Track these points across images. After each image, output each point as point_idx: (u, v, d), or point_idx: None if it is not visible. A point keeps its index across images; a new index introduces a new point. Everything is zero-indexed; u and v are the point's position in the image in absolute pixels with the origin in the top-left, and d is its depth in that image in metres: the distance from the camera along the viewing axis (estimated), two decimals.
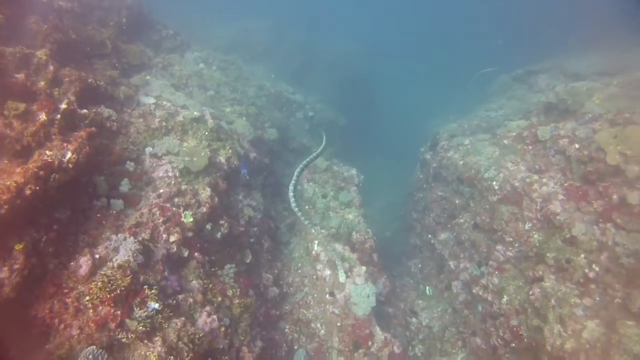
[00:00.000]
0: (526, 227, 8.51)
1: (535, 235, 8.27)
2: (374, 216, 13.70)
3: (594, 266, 7.24)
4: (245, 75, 14.45)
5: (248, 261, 8.80)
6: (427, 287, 11.03)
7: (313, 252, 9.88)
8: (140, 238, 6.56)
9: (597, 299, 7.06)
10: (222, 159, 8.96)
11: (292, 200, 7.67)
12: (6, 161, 5.64)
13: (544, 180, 8.69)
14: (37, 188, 5.46)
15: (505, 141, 10.38)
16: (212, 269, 7.65)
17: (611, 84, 9.99)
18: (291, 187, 7.74)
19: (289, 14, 25.90)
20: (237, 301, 7.51)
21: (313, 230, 9.57)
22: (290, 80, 17.35)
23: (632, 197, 7.16)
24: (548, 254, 7.83)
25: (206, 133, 9.06)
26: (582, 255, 7.41)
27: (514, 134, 10.41)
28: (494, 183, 9.55)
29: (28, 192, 5.35)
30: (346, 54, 23.19)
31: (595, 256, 7.28)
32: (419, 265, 11.95)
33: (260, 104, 13.41)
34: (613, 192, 7.47)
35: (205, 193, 7.91)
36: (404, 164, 17.37)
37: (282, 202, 11.58)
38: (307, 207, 11.33)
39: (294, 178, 7.78)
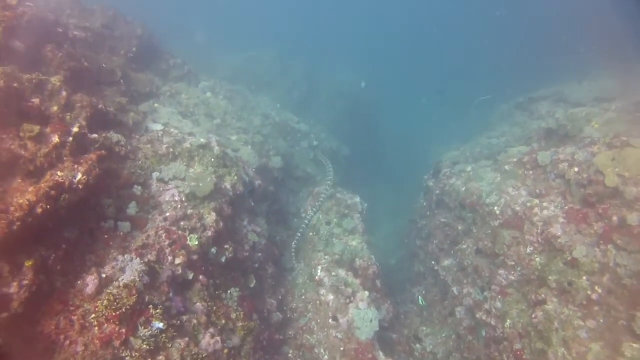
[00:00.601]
0: (528, 250, 8.55)
1: (537, 259, 8.31)
2: (378, 244, 13.77)
3: (596, 288, 7.27)
4: (251, 104, 14.80)
5: (252, 286, 8.86)
6: (420, 297, 10.99)
7: (316, 276, 9.93)
8: (146, 259, 6.66)
9: (601, 320, 7.06)
10: (228, 185, 9.13)
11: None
12: (19, 180, 5.82)
13: (545, 204, 8.79)
14: (48, 207, 5.61)
15: (507, 167, 10.53)
16: (216, 292, 7.71)
17: (609, 109, 10.29)
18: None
19: (294, 44, 26.68)
20: (240, 324, 7.55)
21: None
22: (294, 109, 17.74)
23: (632, 218, 7.27)
24: (550, 277, 7.86)
25: (212, 160, 9.25)
26: (584, 277, 7.44)
27: (515, 159, 10.57)
28: (496, 208, 9.64)
29: (39, 210, 5.50)
30: (350, 84, 23.69)
31: (597, 278, 7.32)
32: (423, 292, 11.91)
33: (266, 133, 13.69)
34: (612, 213, 7.58)
35: (210, 217, 8.05)
36: (408, 192, 17.54)
37: (286, 229, 11.71)
38: (310, 233, 11.44)
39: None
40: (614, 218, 7.55)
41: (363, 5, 53.26)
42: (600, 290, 7.23)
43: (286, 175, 13.37)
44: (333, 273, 9.94)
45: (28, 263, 5.43)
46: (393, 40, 44.98)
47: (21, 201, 5.43)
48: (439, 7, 49.76)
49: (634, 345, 6.58)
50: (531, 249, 8.53)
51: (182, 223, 7.65)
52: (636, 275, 6.98)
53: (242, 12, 39.25)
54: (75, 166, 6.29)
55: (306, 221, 11.45)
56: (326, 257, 10.51)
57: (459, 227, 10.99)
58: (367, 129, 24.06)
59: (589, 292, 7.31)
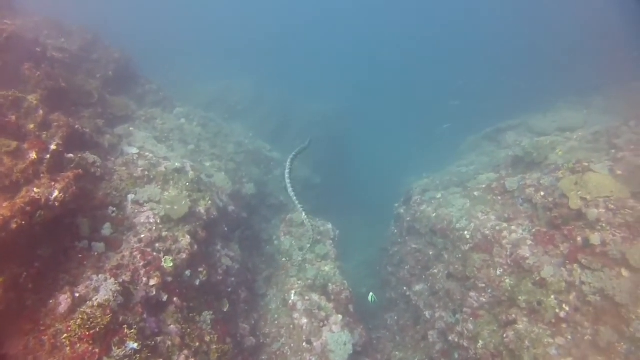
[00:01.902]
0: (498, 272, 8.83)
1: (507, 280, 8.59)
2: (350, 273, 13.80)
3: (564, 306, 7.60)
4: (224, 131, 14.89)
5: (225, 310, 8.76)
6: (371, 294, 11.04)
7: (290, 301, 9.92)
8: (121, 280, 6.57)
9: (569, 337, 7.35)
10: (202, 210, 9.11)
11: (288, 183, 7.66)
12: None
13: (513, 227, 9.16)
14: (23, 223, 5.52)
15: (476, 193, 10.92)
16: (190, 315, 7.60)
17: (572, 138, 10.97)
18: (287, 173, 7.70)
19: (268, 74, 27.12)
20: (214, 347, 7.45)
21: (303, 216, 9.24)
22: (267, 138, 17.93)
23: (594, 238, 7.69)
24: (520, 297, 8.14)
25: (187, 184, 9.27)
26: (552, 297, 7.77)
27: (484, 186, 11.01)
28: (466, 233, 9.95)
29: (14, 226, 5.41)
30: (322, 114, 24.17)
31: (565, 296, 7.66)
32: (395, 318, 12.00)
33: (239, 160, 13.78)
34: (577, 234, 7.99)
35: (185, 240, 8.01)
36: (378, 222, 17.77)
37: (259, 255, 11.68)
38: (284, 259, 11.46)
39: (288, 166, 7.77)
40: (579, 239, 7.94)
41: (336, 35, 55.06)
42: (567, 309, 7.56)
43: (259, 202, 13.43)
44: (307, 297, 9.96)
45: None
46: (366, 71, 46.23)
47: None
48: (412, 42, 51.94)
49: (599, 358, 6.83)
50: (501, 271, 8.80)
51: (157, 245, 7.60)
52: (600, 292, 7.34)
53: (218, 40, 39.78)
54: (53, 183, 6.24)
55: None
56: (299, 282, 10.55)
57: (430, 253, 11.20)
58: (340, 158, 24.44)
59: (557, 311, 7.62)
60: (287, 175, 7.67)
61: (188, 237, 8.10)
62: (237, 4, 53.20)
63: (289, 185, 7.76)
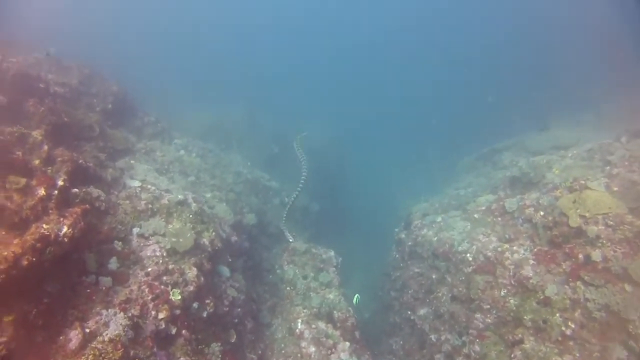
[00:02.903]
0: (502, 293, 8.88)
1: (511, 300, 8.64)
2: (352, 298, 13.82)
3: (569, 323, 7.65)
4: (223, 162, 15.03)
5: (233, 341, 8.72)
6: (357, 295, 10.98)
7: (297, 330, 9.89)
8: (130, 314, 6.58)
9: (577, 354, 7.39)
10: (206, 241, 9.13)
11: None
12: (4, 232, 5.76)
13: (515, 248, 9.26)
14: (34, 259, 5.55)
15: (476, 215, 11.04)
16: (199, 347, 7.58)
17: (566, 156, 11.15)
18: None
19: (263, 102, 27.49)
20: None
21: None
22: (265, 166, 18.08)
23: (595, 254, 7.82)
24: (525, 317, 8.19)
25: (190, 216, 9.31)
26: (558, 315, 7.82)
27: (484, 207, 11.13)
28: (468, 255, 10.02)
29: (25, 262, 5.44)
30: (318, 141, 24.31)
31: (570, 314, 7.72)
32: (401, 342, 11.93)
33: (239, 190, 13.86)
34: (578, 252, 8.11)
35: (192, 272, 8.02)
36: (378, 247, 17.80)
37: (262, 284, 11.66)
38: (288, 288, 11.47)
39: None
40: (580, 256, 8.06)
41: (328, 62, 55.99)
42: (573, 326, 7.61)
43: (260, 232, 13.46)
44: (313, 326, 9.95)
45: (8, 318, 5.29)
46: (359, 97, 46.89)
47: (6, 253, 5.35)
48: (404, 69, 52.91)
49: None
50: (505, 291, 8.86)
51: (164, 278, 7.59)
52: (605, 308, 7.43)
53: (212, 69, 40.37)
54: (61, 219, 6.29)
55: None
56: (305, 310, 10.54)
57: (433, 276, 11.23)
58: (337, 184, 24.57)
59: (563, 328, 7.67)
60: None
61: (194, 269, 8.11)
62: (230, 32, 54.29)
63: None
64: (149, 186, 9.61)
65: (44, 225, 5.99)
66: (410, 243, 12.69)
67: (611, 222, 8.08)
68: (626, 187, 8.64)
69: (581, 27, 32.16)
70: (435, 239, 11.36)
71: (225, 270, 9.62)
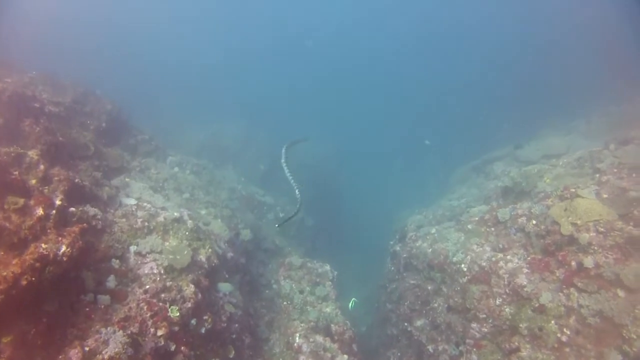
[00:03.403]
0: (497, 302, 8.99)
1: (507, 309, 8.75)
2: (349, 311, 13.85)
3: (565, 330, 7.77)
4: (217, 178, 15.11)
5: (231, 356, 8.72)
6: (353, 299, 10.99)
7: (295, 344, 9.91)
8: (129, 331, 6.60)
9: None
10: (203, 258, 9.17)
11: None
12: (2, 253, 5.79)
13: (508, 257, 9.39)
14: (33, 279, 5.59)
15: (469, 226, 11.18)
16: None
17: (557, 165, 11.37)
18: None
19: (256, 118, 27.61)
20: None
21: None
22: (259, 182, 18.23)
23: (588, 261, 7.96)
24: (521, 325, 8.31)
25: (187, 233, 9.36)
26: (553, 322, 7.95)
27: (477, 218, 11.27)
28: (463, 265, 10.14)
29: (24, 282, 5.47)
30: (312, 156, 24.48)
31: (565, 320, 7.84)
32: (398, 354, 11.95)
33: (233, 207, 13.91)
34: (571, 259, 8.25)
35: (189, 289, 8.05)
36: (373, 260, 17.89)
37: (259, 300, 11.67)
38: (284, 302, 11.49)
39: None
40: (573, 263, 8.19)
41: (322, 78, 56.38)
42: (568, 332, 7.74)
43: (255, 247, 13.49)
44: (311, 339, 9.98)
45: (7, 339, 5.32)
46: (353, 111, 47.22)
47: (5, 273, 5.40)
48: (400, 82, 53.47)
49: None
50: (500, 300, 8.96)
51: (162, 295, 7.61)
52: (598, 313, 7.57)
53: (206, 85, 40.59)
54: (60, 239, 6.33)
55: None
56: (302, 324, 10.58)
57: (429, 287, 11.31)
58: (331, 199, 24.67)
59: (558, 335, 7.79)
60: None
61: (192, 286, 8.14)
62: (223, 48, 54.61)
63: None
64: (145, 204, 9.65)
65: (43, 245, 6.03)
66: (405, 255, 12.78)
67: (602, 229, 8.23)
68: (616, 194, 8.81)
69: (572, 37, 32.83)
70: (430, 250, 11.45)
71: (227, 287, 9.65)
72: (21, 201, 6.31)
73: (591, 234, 8.25)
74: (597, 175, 9.92)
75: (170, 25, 50.57)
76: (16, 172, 6.88)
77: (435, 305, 10.78)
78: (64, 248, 6.24)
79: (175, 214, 9.64)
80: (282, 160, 8.15)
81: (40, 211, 6.46)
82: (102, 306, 6.86)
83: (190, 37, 51.79)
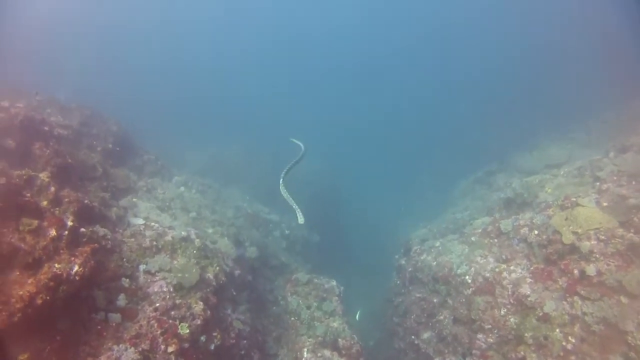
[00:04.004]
0: (502, 312, 9.07)
1: (512, 319, 8.83)
2: (356, 325, 13.89)
3: (570, 338, 7.85)
4: (222, 197, 15.32)
5: None
6: (359, 311, 11.01)
7: (303, 359, 10.00)
8: (141, 348, 6.76)
9: None
10: (211, 276, 9.32)
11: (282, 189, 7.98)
12: (18, 272, 5.96)
13: (512, 267, 9.52)
14: (48, 298, 5.77)
15: (473, 238, 11.30)
16: None
17: (558, 174, 11.53)
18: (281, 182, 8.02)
19: (259, 135, 27.89)
20: None
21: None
22: (264, 199, 18.34)
23: (590, 269, 8.07)
24: (526, 334, 8.38)
25: (194, 252, 9.52)
26: (557, 330, 8.02)
27: (480, 230, 11.41)
28: (467, 277, 10.24)
29: (39, 301, 5.66)
30: (315, 172, 24.68)
31: (569, 329, 7.92)
32: None
33: (239, 224, 14.09)
34: (573, 267, 8.36)
35: (198, 307, 8.18)
36: (379, 274, 17.94)
37: (266, 316, 11.76)
38: (292, 318, 11.59)
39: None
40: (575, 271, 8.31)
41: (324, 93, 56.92)
42: (573, 340, 7.81)
43: (262, 264, 13.61)
44: (319, 354, 10.06)
45: (23, 356, 5.46)
46: (355, 125, 47.43)
47: (21, 292, 5.59)
48: (402, 98, 53.87)
49: None
50: (505, 310, 9.05)
51: (172, 312, 7.75)
52: (603, 321, 7.64)
53: (207, 104, 41.11)
54: (72, 258, 6.52)
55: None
56: (310, 339, 10.67)
57: (435, 300, 11.39)
58: (336, 214, 24.82)
59: (564, 343, 7.86)
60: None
61: (201, 303, 8.27)
62: (227, 66, 55.42)
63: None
64: (153, 223, 9.85)
65: (56, 265, 6.22)
66: (410, 269, 12.88)
67: (603, 237, 8.35)
68: (615, 201, 8.93)
69: (569, 45, 33.17)
70: (435, 263, 11.57)
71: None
72: (35, 222, 6.51)
73: (592, 242, 8.37)
74: (598, 183, 10.05)
75: (173, 44, 51.53)
76: (29, 194, 7.09)
77: (441, 317, 10.85)
78: (76, 267, 6.43)
79: (183, 232, 9.82)
80: (282, 187, 8.32)
81: (53, 232, 6.65)
82: (114, 324, 7.01)
83: (194, 55, 52.72)
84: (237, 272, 10.99)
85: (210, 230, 12.19)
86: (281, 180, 8.40)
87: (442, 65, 54.21)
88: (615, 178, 9.85)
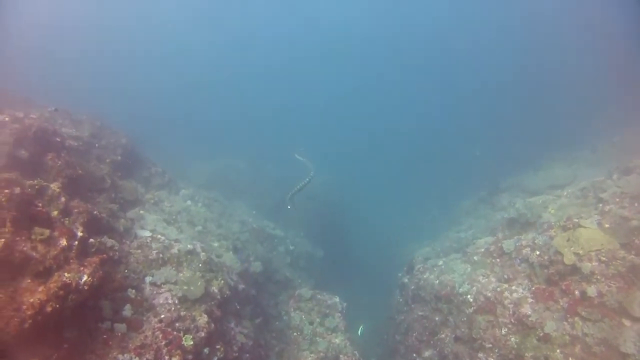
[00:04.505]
0: (503, 332, 9.12)
1: (512, 338, 8.88)
2: (359, 342, 13.89)
3: (570, 359, 7.85)
4: (228, 211, 15.48)
5: None
6: (361, 327, 11.02)
7: None
8: (145, 358, 6.88)
9: None
10: (216, 289, 9.45)
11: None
12: (29, 280, 6.11)
13: (513, 287, 9.59)
14: (57, 306, 5.91)
15: (475, 257, 11.39)
16: None
17: (562, 195, 11.60)
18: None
19: (265, 150, 28.12)
20: None
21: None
22: (269, 214, 18.53)
23: (591, 290, 8.13)
24: (526, 354, 8.44)
25: (200, 265, 9.66)
26: (558, 350, 8.07)
27: (483, 249, 11.49)
28: (469, 296, 10.31)
29: (49, 309, 5.80)
30: (321, 187, 24.78)
31: (570, 349, 7.95)
32: None
33: (244, 239, 14.24)
34: (574, 288, 8.42)
35: (202, 319, 8.31)
36: (382, 291, 17.95)
37: (269, 331, 11.83)
38: (294, 333, 11.66)
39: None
40: (576, 292, 8.38)
41: (328, 109, 57.34)
42: None
43: (266, 279, 13.71)
44: None
45: None
46: (363, 143, 47.67)
47: (32, 300, 5.73)
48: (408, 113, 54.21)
49: None
50: (506, 330, 9.10)
51: (177, 324, 7.88)
52: (603, 342, 7.68)
53: (214, 118, 41.53)
54: (81, 268, 6.68)
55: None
56: (312, 355, 10.74)
57: (437, 318, 11.42)
58: (340, 230, 24.88)
59: None
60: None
61: (205, 316, 8.40)
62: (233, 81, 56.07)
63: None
64: (159, 236, 9.99)
65: (66, 274, 6.37)
66: (413, 287, 12.93)
67: (604, 258, 8.43)
68: (617, 223, 9.00)
69: (574, 65, 33.41)
70: (437, 282, 11.63)
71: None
72: (47, 232, 6.68)
73: (593, 263, 8.44)
74: (600, 205, 10.11)
75: (180, 59, 52.25)
76: (40, 204, 7.26)
77: (443, 335, 10.88)
78: (85, 277, 6.58)
79: (189, 246, 9.96)
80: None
81: (63, 242, 6.81)
82: (119, 334, 7.13)
83: (200, 70, 53.37)
84: (241, 286, 11.10)
85: (215, 244, 12.34)
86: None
87: (450, 82, 54.55)
88: (617, 200, 9.91)
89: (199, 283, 8.92)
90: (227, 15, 59.01)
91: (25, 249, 6.28)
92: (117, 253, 8.39)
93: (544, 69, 39.25)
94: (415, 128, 49.88)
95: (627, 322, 7.69)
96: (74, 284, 6.33)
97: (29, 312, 5.57)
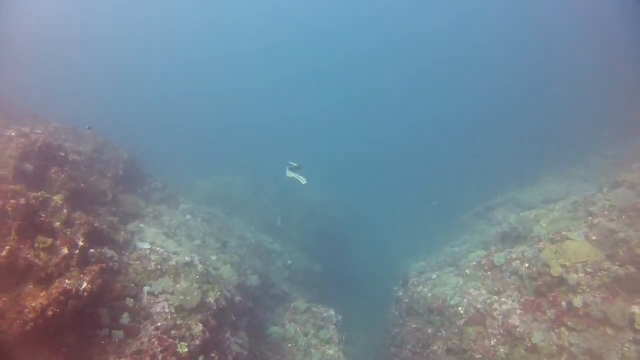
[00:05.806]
0: (492, 343, 9.34)
1: (501, 349, 9.09)
2: (355, 356, 14.06)
3: None
4: (227, 226, 15.76)
5: None
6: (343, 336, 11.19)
7: None
8: None
9: None
10: (212, 300, 9.70)
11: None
12: (32, 286, 6.40)
13: (503, 299, 9.84)
14: (58, 311, 6.19)
15: (468, 271, 11.63)
16: None
17: (554, 209, 11.86)
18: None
19: (264, 167, 28.39)
20: None
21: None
22: (268, 230, 18.78)
23: (577, 301, 8.38)
24: None
25: (197, 277, 9.92)
26: None
27: (475, 263, 11.75)
28: (460, 308, 10.54)
29: (50, 313, 6.08)
30: (319, 205, 25.10)
31: (557, 359, 8.12)
32: None
33: (242, 253, 14.50)
34: (561, 299, 8.68)
35: (198, 328, 8.54)
36: (379, 306, 18.08)
37: (265, 343, 12.01)
38: (289, 345, 11.83)
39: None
40: (563, 303, 8.62)
41: (324, 125, 57.80)
42: None
43: (263, 293, 13.92)
44: None
45: None
46: (359, 159, 47.94)
47: (34, 304, 6.02)
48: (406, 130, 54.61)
49: None
50: (495, 341, 9.31)
51: (173, 332, 8.11)
52: (588, 352, 7.88)
53: (214, 134, 41.97)
54: (82, 276, 6.97)
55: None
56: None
57: (430, 331, 11.60)
58: (338, 246, 25.04)
59: None
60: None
61: (200, 325, 8.63)
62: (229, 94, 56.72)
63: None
64: (158, 248, 10.29)
65: (67, 281, 6.67)
66: (407, 300, 13.14)
67: (590, 270, 8.67)
68: (605, 235, 9.24)
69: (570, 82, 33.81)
70: (430, 295, 11.85)
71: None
72: (49, 241, 6.98)
73: (580, 275, 8.69)
74: (590, 218, 10.33)
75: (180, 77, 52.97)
76: (44, 215, 7.58)
77: (435, 347, 11.04)
78: (85, 284, 6.86)
79: (187, 258, 10.25)
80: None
81: (65, 251, 7.12)
82: (117, 340, 7.38)
83: (201, 86, 54.05)
84: (238, 298, 11.33)
85: (214, 258, 12.60)
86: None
87: (448, 95, 55.06)
88: (607, 213, 10.12)
89: (196, 294, 9.17)
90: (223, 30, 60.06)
91: (29, 256, 6.59)
92: (116, 264, 8.67)
93: (543, 84, 39.71)
94: (412, 143, 50.23)
95: (610, 332, 7.90)
96: (74, 291, 6.61)
97: (31, 316, 5.85)
